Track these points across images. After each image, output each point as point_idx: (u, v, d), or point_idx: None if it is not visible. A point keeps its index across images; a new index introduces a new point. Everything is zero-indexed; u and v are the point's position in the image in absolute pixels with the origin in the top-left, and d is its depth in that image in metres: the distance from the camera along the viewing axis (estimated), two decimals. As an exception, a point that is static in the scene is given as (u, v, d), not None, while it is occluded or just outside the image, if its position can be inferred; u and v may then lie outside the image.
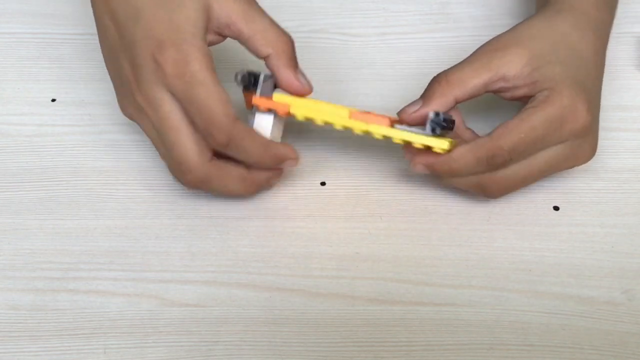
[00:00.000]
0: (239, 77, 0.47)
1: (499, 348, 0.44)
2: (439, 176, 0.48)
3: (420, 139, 0.45)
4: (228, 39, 0.47)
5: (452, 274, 0.47)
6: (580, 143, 0.46)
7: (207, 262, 0.48)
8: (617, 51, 0.60)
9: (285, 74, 0.46)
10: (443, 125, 0.45)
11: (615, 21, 0.62)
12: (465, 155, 0.45)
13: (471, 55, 0.47)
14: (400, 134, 0.46)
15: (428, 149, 0.46)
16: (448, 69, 0.47)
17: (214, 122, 0.44)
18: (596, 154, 0.52)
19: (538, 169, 0.47)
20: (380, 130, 0.46)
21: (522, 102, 0.47)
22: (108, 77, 0.60)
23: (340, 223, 0.50)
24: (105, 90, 0.58)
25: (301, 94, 0.47)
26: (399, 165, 0.53)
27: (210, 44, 0.46)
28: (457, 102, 0.47)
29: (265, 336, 0.45)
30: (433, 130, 0.45)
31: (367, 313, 0.46)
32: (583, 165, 0.52)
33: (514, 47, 0.46)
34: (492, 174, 0.46)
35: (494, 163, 0.45)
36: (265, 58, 0.46)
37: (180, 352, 0.44)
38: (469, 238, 0.49)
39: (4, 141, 0.55)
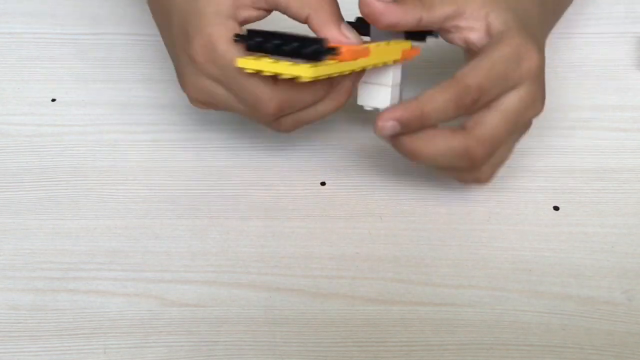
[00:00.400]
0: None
1: (499, 348, 0.44)
2: (408, 131, 0.44)
3: (290, 69, 0.42)
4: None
5: (452, 274, 0.47)
6: (535, 88, 0.46)
7: (207, 262, 0.48)
8: (617, 51, 0.60)
9: (328, 33, 0.46)
10: (422, 34, 0.45)
11: (615, 21, 0.63)
12: (433, 95, 0.44)
13: None
14: (265, 65, 0.43)
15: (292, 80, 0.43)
16: None
17: (258, 106, 0.45)
18: (596, 154, 0.53)
19: (510, 117, 0.45)
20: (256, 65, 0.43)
21: (471, 50, 0.47)
22: (108, 77, 0.60)
23: (340, 223, 0.50)
24: (105, 90, 0.58)
25: None
26: (399, 165, 0.53)
27: (251, 20, 0.47)
28: (419, 25, 0.46)
29: (265, 336, 0.45)
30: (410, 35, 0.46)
31: (367, 313, 0.46)
32: (583, 165, 0.53)
33: None
34: (471, 132, 0.45)
35: (464, 104, 0.44)
36: (307, 22, 0.46)
37: (180, 352, 0.44)
38: (469, 238, 0.49)
39: (4, 141, 0.55)
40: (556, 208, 0.51)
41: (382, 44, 0.47)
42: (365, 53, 0.45)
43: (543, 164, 0.53)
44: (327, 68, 0.43)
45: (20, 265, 0.48)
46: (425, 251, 0.49)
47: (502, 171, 0.52)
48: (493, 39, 0.46)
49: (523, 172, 0.52)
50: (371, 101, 0.49)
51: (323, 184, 0.52)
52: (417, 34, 0.48)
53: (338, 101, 0.48)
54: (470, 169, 0.46)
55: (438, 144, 0.44)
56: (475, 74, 0.44)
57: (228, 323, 0.45)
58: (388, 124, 0.44)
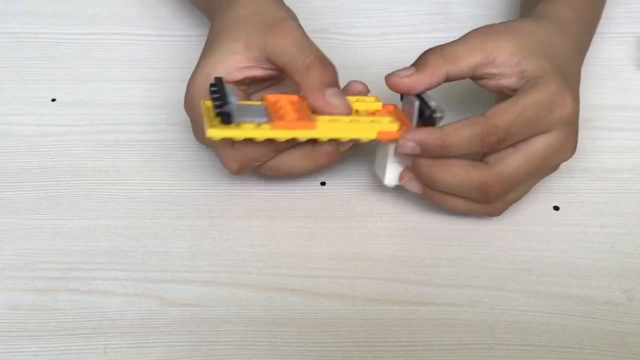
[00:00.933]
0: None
1: (499, 348, 0.44)
2: (430, 155, 0.45)
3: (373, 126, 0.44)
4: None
5: (452, 274, 0.47)
6: (566, 134, 0.46)
7: (207, 262, 0.48)
8: (617, 51, 0.60)
9: (313, 101, 0.45)
10: (432, 115, 0.44)
11: (615, 21, 0.63)
12: (459, 129, 0.44)
13: (464, 36, 0.47)
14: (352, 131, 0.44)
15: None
16: (442, 44, 0.47)
17: (222, 159, 0.48)
18: (596, 154, 0.53)
19: (533, 161, 0.46)
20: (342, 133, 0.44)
21: (504, 93, 0.47)
22: (108, 77, 0.60)
23: (340, 223, 0.50)
24: (105, 90, 0.58)
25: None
26: (399, 165, 0.53)
27: (257, 78, 0.48)
28: (448, 79, 0.46)
29: (265, 336, 0.45)
30: (421, 113, 0.44)
31: (367, 313, 0.46)
32: (583, 165, 0.53)
33: (505, 35, 0.47)
34: (491, 169, 0.45)
35: (489, 142, 0.44)
36: (298, 87, 0.46)
37: (180, 352, 0.44)
38: (469, 238, 0.49)
39: (4, 141, 0.55)
40: (556, 208, 0.51)
41: (352, 118, 0.45)
42: (309, 126, 0.44)
43: (543, 164, 0.53)
44: (242, 132, 0.43)
45: (20, 265, 0.48)
46: (425, 251, 0.49)
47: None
48: (528, 83, 0.46)
49: (523, 172, 0.52)
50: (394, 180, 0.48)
51: (323, 184, 0.52)
52: (428, 121, 0.45)
53: (316, 162, 0.48)
54: (483, 203, 0.47)
55: (456, 173, 0.45)
56: (505, 116, 0.44)
57: (228, 323, 0.45)
58: (409, 144, 0.44)
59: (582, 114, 0.56)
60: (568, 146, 0.47)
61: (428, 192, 0.47)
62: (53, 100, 0.58)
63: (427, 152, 0.44)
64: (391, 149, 0.47)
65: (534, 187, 0.50)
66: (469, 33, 0.48)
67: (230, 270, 0.48)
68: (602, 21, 0.62)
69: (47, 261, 0.48)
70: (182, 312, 0.46)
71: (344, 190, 0.52)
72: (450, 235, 0.49)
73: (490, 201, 0.46)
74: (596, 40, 0.61)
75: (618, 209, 0.51)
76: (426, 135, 0.44)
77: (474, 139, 0.44)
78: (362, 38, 0.62)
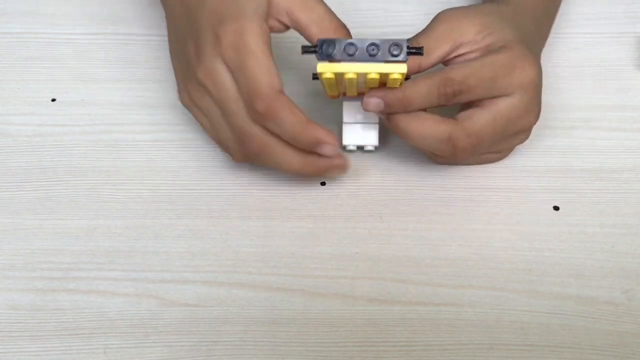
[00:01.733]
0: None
1: (499, 348, 0.44)
2: (393, 111, 0.47)
3: (378, 67, 0.44)
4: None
5: (452, 274, 0.47)
6: (529, 99, 0.48)
7: (207, 262, 0.48)
8: (617, 51, 0.60)
9: None
10: (411, 51, 0.44)
11: (615, 21, 0.63)
12: (418, 82, 0.46)
13: (430, 27, 0.49)
14: (357, 67, 0.44)
15: (382, 85, 0.46)
16: (415, 37, 0.49)
17: (256, 90, 0.45)
18: (596, 154, 0.52)
19: (499, 120, 0.47)
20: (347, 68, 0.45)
21: None
22: (108, 77, 0.60)
23: (340, 223, 0.50)
24: (105, 90, 0.58)
25: None
26: (399, 165, 0.53)
27: (271, 30, 0.48)
28: (419, 71, 0.48)
29: (265, 336, 0.45)
30: (393, 54, 0.44)
31: (367, 313, 0.46)
32: (583, 165, 0.52)
33: (469, 19, 0.49)
34: (460, 123, 0.47)
35: (445, 92, 0.46)
36: None
37: (180, 352, 0.44)
38: (469, 238, 0.49)
39: (4, 141, 0.55)
40: (556, 208, 0.51)
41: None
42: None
43: (543, 164, 0.53)
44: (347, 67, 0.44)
45: (20, 265, 0.48)
46: (425, 251, 0.49)
47: (502, 171, 0.52)
48: (492, 49, 0.48)
49: (523, 172, 0.52)
50: (358, 140, 0.52)
51: (323, 184, 0.52)
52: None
53: (315, 167, 0.48)
54: (452, 158, 0.49)
55: (426, 126, 0.47)
56: (461, 70, 0.47)
57: (228, 323, 0.45)
58: (372, 100, 0.47)
59: (582, 114, 0.56)
60: (531, 111, 0.49)
61: (392, 118, 0.48)
62: (53, 100, 0.58)
63: (391, 107, 0.47)
64: (345, 110, 0.51)
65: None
66: (434, 21, 0.50)
67: (230, 270, 0.48)
68: (602, 21, 0.62)
69: (47, 261, 0.48)
70: (182, 312, 0.46)
71: (344, 190, 0.52)
72: (450, 235, 0.49)
73: (457, 155, 0.48)
74: (596, 40, 0.61)
75: (618, 209, 0.51)
76: (388, 90, 0.46)
77: (431, 89, 0.46)
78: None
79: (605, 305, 0.46)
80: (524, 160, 0.53)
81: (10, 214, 0.51)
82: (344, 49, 0.44)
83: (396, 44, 0.44)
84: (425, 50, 0.47)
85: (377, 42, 0.44)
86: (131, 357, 0.44)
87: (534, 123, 0.50)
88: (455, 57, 0.49)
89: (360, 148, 0.52)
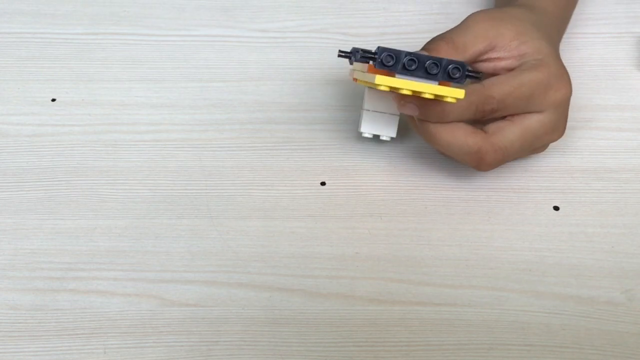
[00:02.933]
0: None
1: (499, 348, 0.44)
2: (427, 120, 0.47)
3: (436, 89, 0.43)
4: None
5: (452, 274, 0.47)
6: (558, 117, 0.49)
7: (207, 262, 0.48)
8: (617, 51, 0.60)
9: None
10: (470, 75, 0.45)
11: (615, 21, 0.63)
12: None
13: (467, 23, 0.49)
14: (414, 85, 0.44)
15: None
16: (450, 32, 0.49)
17: None
18: (596, 154, 0.53)
19: (527, 137, 0.48)
20: (408, 85, 0.44)
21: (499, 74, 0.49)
22: (108, 77, 0.60)
23: (340, 223, 0.50)
24: (105, 90, 0.58)
25: None
26: (399, 165, 0.53)
27: None
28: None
29: (265, 336, 0.45)
30: (452, 77, 0.44)
31: (367, 313, 0.46)
32: (583, 165, 0.52)
33: (505, 22, 0.49)
34: (490, 137, 0.47)
35: (483, 110, 0.47)
36: None
37: (180, 352, 0.44)
38: (469, 238, 0.49)
39: (3, 141, 0.55)
40: (556, 208, 0.51)
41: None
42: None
43: (543, 164, 0.53)
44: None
45: (20, 265, 0.48)
46: (425, 251, 0.49)
47: (502, 171, 0.52)
48: (528, 62, 0.48)
49: (523, 172, 0.52)
50: (375, 129, 0.51)
51: (323, 184, 0.52)
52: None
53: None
54: (475, 168, 0.49)
55: (457, 136, 0.47)
56: (501, 88, 0.47)
57: (228, 323, 0.45)
58: (409, 105, 0.46)
59: (582, 114, 0.56)
60: (558, 128, 0.49)
61: (423, 122, 0.47)
62: (53, 100, 0.58)
63: (425, 116, 0.47)
64: (367, 97, 0.50)
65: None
66: (470, 19, 0.49)
67: (230, 270, 0.48)
68: (602, 21, 0.62)
69: (47, 261, 0.48)
70: (182, 312, 0.46)
71: (344, 190, 0.52)
72: (450, 235, 0.49)
73: (482, 168, 0.48)
74: (596, 40, 0.61)
75: (618, 209, 0.51)
76: (426, 100, 0.45)
77: (470, 106, 0.46)
78: (362, 38, 0.62)
79: (605, 305, 0.46)
80: (524, 160, 0.53)
81: (10, 214, 0.51)
82: (405, 62, 0.43)
83: (457, 67, 0.43)
84: (460, 46, 0.47)
85: (437, 60, 0.43)
86: (131, 357, 0.44)
87: (559, 138, 0.50)
88: (487, 59, 0.48)
89: (376, 137, 0.51)
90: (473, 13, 0.50)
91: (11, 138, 0.55)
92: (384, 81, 0.43)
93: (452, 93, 0.43)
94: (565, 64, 0.55)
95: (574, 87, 0.58)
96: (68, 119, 0.56)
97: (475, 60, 0.49)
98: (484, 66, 0.49)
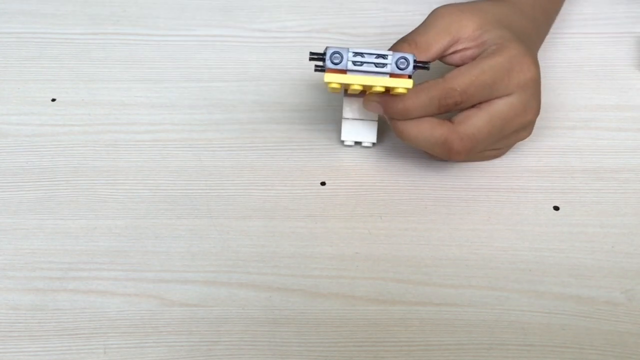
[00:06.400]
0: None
1: (499, 348, 0.44)
2: (392, 117, 0.48)
3: (385, 81, 0.45)
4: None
5: (452, 274, 0.47)
6: (528, 97, 0.48)
7: (207, 262, 0.48)
8: (617, 51, 0.60)
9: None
10: (418, 65, 0.45)
11: (615, 21, 0.63)
12: (418, 93, 0.46)
13: (429, 21, 0.50)
14: (364, 80, 0.45)
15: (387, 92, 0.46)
16: (413, 32, 0.49)
17: None
18: (596, 154, 0.52)
19: (495, 122, 0.48)
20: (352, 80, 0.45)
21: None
22: (108, 77, 0.60)
23: (340, 223, 0.50)
24: (105, 90, 0.58)
25: None
26: (399, 165, 0.53)
27: None
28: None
29: (265, 336, 0.45)
30: (400, 68, 0.45)
31: (367, 313, 0.46)
32: (583, 165, 0.52)
33: (467, 14, 0.49)
34: (455, 127, 0.47)
35: (446, 104, 0.47)
36: None
37: (181, 352, 0.44)
38: (469, 238, 0.49)
39: (4, 141, 0.55)
40: (556, 208, 0.51)
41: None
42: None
43: (543, 164, 0.53)
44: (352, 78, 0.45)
45: (20, 265, 0.48)
46: (425, 251, 0.49)
47: (502, 171, 0.52)
48: (488, 49, 0.48)
49: (523, 172, 0.52)
50: (356, 137, 0.53)
51: (323, 184, 0.52)
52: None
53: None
54: (447, 159, 0.50)
55: (422, 129, 0.48)
56: (462, 79, 0.47)
57: (228, 323, 0.45)
58: (373, 103, 0.48)
59: (582, 114, 0.56)
60: (530, 109, 0.49)
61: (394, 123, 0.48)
62: (53, 100, 0.58)
63: (390, 115, 0.48)
64: (345, 105, 0.51)
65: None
66: (433, 15, 0.50)
67: (230, 270, 0.48)
68: (602, 21, 0.62)
69: (47, 261, 0.48)
70: (182, 312, 0.46)
71: (344, 190, 0.52)
72: (450, 235, 0.49)
73: (453, 157, 0.49)
74: (596, 40, 0.61)
75: (618, 209, 0.51)
76: (388, 98, 0.47)
77: (432, 101, 0.47)
78: (362, 38, 0.62)
79: (605, 305, 0.46)
80: (524, 160, 0.53)
81: (10, 214, 0.51)
82: (352, 59, 0.44)
83: (404, 57, 0.44)
84: (423, 45, 0.48)
85: (384, 53, 0.44)
86: (131, 357, 0.44)
87: (533, 120, 0.50)
88: (454, 52, 0.49)
89: (359, 144, 0.53)
90: (436, 8, 0.50)
91: (11, 138, 0.55)
92: (333, 78, 0.45)
93: (401, 83, 0.44)
94: (566, 64, 0.55)
95: (574, 87, 0.58)
96: (68, 119, 0.56)
97: (443, 55, 0.49)
98: (453, 58, 0.49)
